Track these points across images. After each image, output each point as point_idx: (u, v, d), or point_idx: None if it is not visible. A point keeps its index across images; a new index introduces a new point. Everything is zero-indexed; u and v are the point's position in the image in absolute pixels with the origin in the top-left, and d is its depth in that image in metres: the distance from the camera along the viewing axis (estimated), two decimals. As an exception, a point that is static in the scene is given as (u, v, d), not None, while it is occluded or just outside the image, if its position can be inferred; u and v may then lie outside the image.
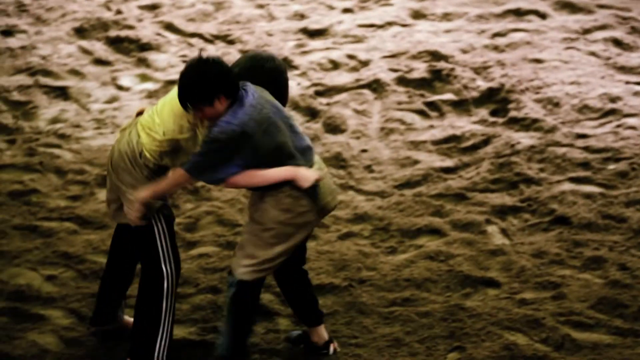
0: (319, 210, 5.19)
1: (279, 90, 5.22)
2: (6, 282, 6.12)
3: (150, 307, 5.34)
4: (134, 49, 9.13)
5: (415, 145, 7.79)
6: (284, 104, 5.27)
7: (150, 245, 5.31)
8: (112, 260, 5.62)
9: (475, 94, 8.31)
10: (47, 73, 8.67)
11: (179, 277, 5.44)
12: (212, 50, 9.02)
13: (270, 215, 5.15)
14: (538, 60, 8.78)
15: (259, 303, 5.41)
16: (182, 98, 5.00)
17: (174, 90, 5.19)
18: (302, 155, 5.09)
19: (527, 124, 7.93)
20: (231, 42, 9.18)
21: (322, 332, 5.64)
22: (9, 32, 9.18)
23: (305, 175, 5.05)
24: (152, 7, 9.75)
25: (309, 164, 5.12)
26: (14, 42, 8.89)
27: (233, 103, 4.98)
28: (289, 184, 5.09)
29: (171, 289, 5.35)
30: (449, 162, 7.56)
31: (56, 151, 7.61)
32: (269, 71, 5.19)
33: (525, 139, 7.72)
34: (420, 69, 8.64)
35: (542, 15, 9.58)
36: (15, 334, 5.69)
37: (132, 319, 5.69)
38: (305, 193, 5.10)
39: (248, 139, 4.95)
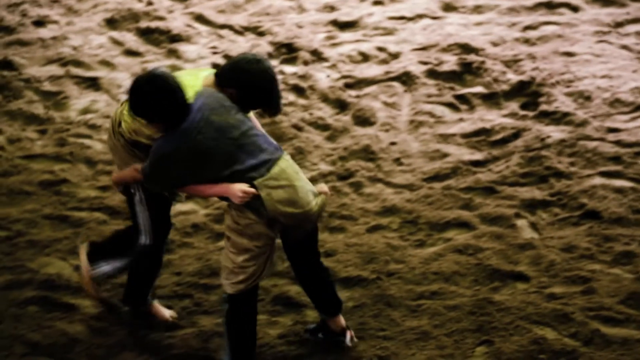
0: (269, 221, 5.17)
1: (262, 95, 5.23)
2: (36, 272, 6.17)
3: (117, 254, 5.70)
4: (164, 40, 9.15)
5: (445, 138, 7.76)
6: (270, 110, 5.29)
7: (132, 213, 5.56)
8: None
9: (505, 87, 8.27)
10: (78, 64, 8.71)
11: (159, 245, 5.65)
12: (242, 42, 9.02)
13: (226, 224, 5.28)
14: (569, 54, 8.72)
15: (254, 318, 5.40)
16: (130, 108, 5.15)
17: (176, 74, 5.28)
18: (251, 171, 5.12)
19: (557, 118, 7.88)
20: (261, 34, 9.18)
21: (340, 321, 5.67)
22: (40, 22, 9.22)
23: (233, 191, 5.10)
24: (183, -1, 9.79)
25: (257, 177, 5.11)
26: (45, 32, 8.94)
27: (175, 123, 5.06)
28: None
29: (143, 257, 5.63)
30: (478, 156, 7.52)
31: (87, 141, 7.65)
32: (252, 75, 5.19)
33: (555, 132, 7.67)
34: (450, 62, 8.60)
35: (574, 8, 9.50)
36: (45, 322, 5.74)
37: (162, 309, 5.75)
38: (248, 206, 5.14)
39: (178, 163, 5.06)
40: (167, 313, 5.87)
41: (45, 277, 6.10)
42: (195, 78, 5.28)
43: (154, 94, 4.99)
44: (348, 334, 5.69)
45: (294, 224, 5.26)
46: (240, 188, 5.08)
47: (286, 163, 5.22)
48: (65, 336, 5.66)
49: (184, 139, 5.03)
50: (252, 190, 5.09)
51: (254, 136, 5.18)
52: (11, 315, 5.73)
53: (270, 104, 5.28)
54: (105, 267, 5.72)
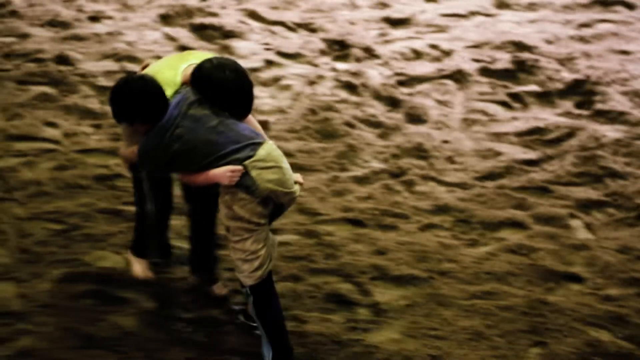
0: (264, 199, 5.25)
1: (229, 102, 5.30)
2: (91, 265, 6.21)
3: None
4: (217, 36, 9.18)
5: (498, 136, 7.71)
6: (237, 114, 5.33)
7: (136, 183, 5.85)
8: None
9: (559, 85, 8.20)
10: (133, 59, 8.77)
11: (163, 214, 5.97)
12: (295, 38, 9.04)
13: (221, 215, 5.36)
14: (625, 52, 8.63)
15: (278, 301, 5.45)
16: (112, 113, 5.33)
17: (159, 64, 5.53)
18: (234, 154, 5.21)
19: (612, 117, 7.80)
20: (313, 31, 9.19)
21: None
22: (96, 18, 9.30)
23: (221, 173, 5.19)
24: (237, -5, 9.83)
25: (243, 159, 5.19)
26: (100, 27, 9.01)
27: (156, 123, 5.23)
28: None
29: (150, 224, 5.94)
30: (532, 155, 7.47)
31: (140, 136, 7.69)
32: (215, 83, 5.26)
33: (610, 132, 7.59)
34: (503, 60, 8.55)
35: (630, 6, 9.40)
36: (99, 316, 5.78)
37: (220, 290, 5.98)
38: (239, 186, 5.21)
39: (161, 158, 5.24)
40: (218, 289, 6.03)
41: (100, 271, 6.14)
42: (175, 73, 5.41)
43: (131, 99, 5.20)
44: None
45: (283, 205, 5.36)
46: (227, 169, 5.19)
47: (270, 147, 5.33)
48: (118, 329, 5.70)
49: (163, 134, 5.20)
50: (239, 168, 5.19)
51: (233, 124, 5.30)
52: (66, 307, 5.79)
53: (235, 109, 5.34)
54: None
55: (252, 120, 5.55)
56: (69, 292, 5.95)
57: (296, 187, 5.39)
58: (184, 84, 5.36)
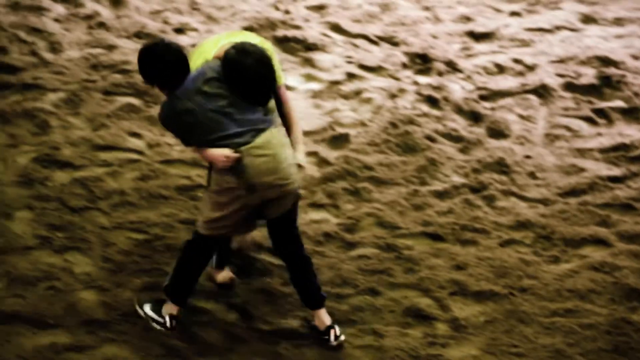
0: (249, 187, 5.47)
1: (244, 88, 5.48)
2: (172, 275, 6.29)
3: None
4: (300, 49, 9.22)
5: (582, 152, 7.61)
6: (252, 101, 5.50)
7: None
8: None
9: (646, 101, 8.08)
10: (216, 71, 8.85)
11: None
12: (377, 52, 9.04)
13: (210, 184, 5.67)
14: None
15: (203, 266, 5.75)
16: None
17: (215, 37, 5.82)
18: (236, 137, 5.45)
19: (700, 134, 7.65)
20: (396, 44, 9.18)
21: (322, 316, 5.84)
22: (181, 30, 9.42)
23: (216, 155, 5.45)
24: (319, 8, 9.84)
25: (242, 144, 5.44)
26: (185, 39, 9.11)
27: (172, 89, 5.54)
28: None
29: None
30: (616, 171, 7.36)
31: (222, 148, 7.75)
32: (235, 68, 5.46)
33: (698, 149, 7.45)
34: (588, 75, 8.44)
35: None
36: (180, 326, 5.85)
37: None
38: (230, 170, 5.43)
39: (173, 125, 5.57)
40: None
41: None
42: (213, 46, 5.70)
43: (150, 62, 5.52)
44: (332, 333, 5.78)
45: (272, 196, 5.52)
46: (223, 153, 5.42)
47: (272, 134, 5.51)
48: (199, 340, 5.76)
49: (175, 105, 5.49)
50: (235, 155, 5.41)
51: (243, 107, 5.50)
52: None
53: (249, 93, 5.50)
54: None
55: (290, 109, 5.85)
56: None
57: (295, 179, 5.55)
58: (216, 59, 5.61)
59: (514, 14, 9.62)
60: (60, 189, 6.89)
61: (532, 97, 8.29)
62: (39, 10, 9.23)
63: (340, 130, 7.87)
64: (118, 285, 6.07)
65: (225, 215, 5.58)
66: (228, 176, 5.48)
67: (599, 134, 7.82)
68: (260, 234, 6.36)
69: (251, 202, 5.54)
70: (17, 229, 6.44)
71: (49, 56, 8.52)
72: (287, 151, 5.56)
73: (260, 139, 5.46)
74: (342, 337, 5.78)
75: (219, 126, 5.46)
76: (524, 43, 9.10)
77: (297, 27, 9.51)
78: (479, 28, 9.37)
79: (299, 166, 5.67)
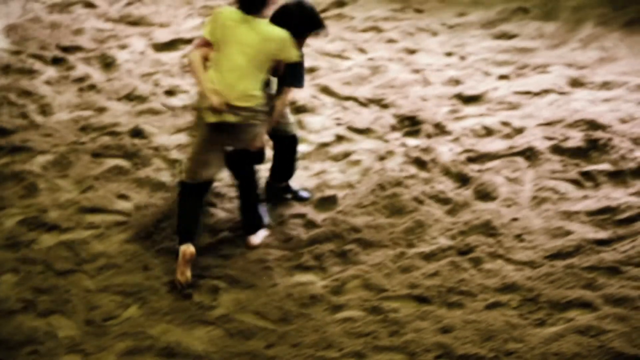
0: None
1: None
2: (156, 339, 6.28)
3: None
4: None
5: (568, 215, 7.63)
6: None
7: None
8: None
9: (633, 165, 8.09)
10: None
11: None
12: (366, 114, 9.10)
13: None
14: (700, 132, 8.49)
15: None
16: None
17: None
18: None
19: (687, 198, 7.66)
20: (385, 106, 9.24)
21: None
22: (171, 92, 9.49)
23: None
24: (310, 70, 9.92)
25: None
26: (176, 101, 9.17)
27: None
28: None
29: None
30: (603, 234, 7.36)
31: (212, 209, 7.77)
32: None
33: (684, 212, 7.45)
34: (576, 138, 8.48)
35: None
36: None
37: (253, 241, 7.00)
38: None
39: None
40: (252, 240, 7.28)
41: (165, 344, 6.19)
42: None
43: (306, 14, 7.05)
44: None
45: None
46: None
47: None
48: None
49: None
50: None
51: None
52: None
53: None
54: None
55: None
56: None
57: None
58: None
59: (503, 77, 9.69)
60: (46, 251, 6.91)
61: (520, 160, 8.32)
62: (31, 73, 9.32)
63: (328, 192, 7.90)
64: (101, 349, 6.06)
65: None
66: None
67: (586, 197, 7.84)
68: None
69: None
70: (0, 293, 6.44)
71: (38, 118, 8.59)
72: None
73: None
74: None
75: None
76: (512, 106, 9.15)
77: (287, 90, 9.56)
78: (467, 91, 9.44)
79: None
